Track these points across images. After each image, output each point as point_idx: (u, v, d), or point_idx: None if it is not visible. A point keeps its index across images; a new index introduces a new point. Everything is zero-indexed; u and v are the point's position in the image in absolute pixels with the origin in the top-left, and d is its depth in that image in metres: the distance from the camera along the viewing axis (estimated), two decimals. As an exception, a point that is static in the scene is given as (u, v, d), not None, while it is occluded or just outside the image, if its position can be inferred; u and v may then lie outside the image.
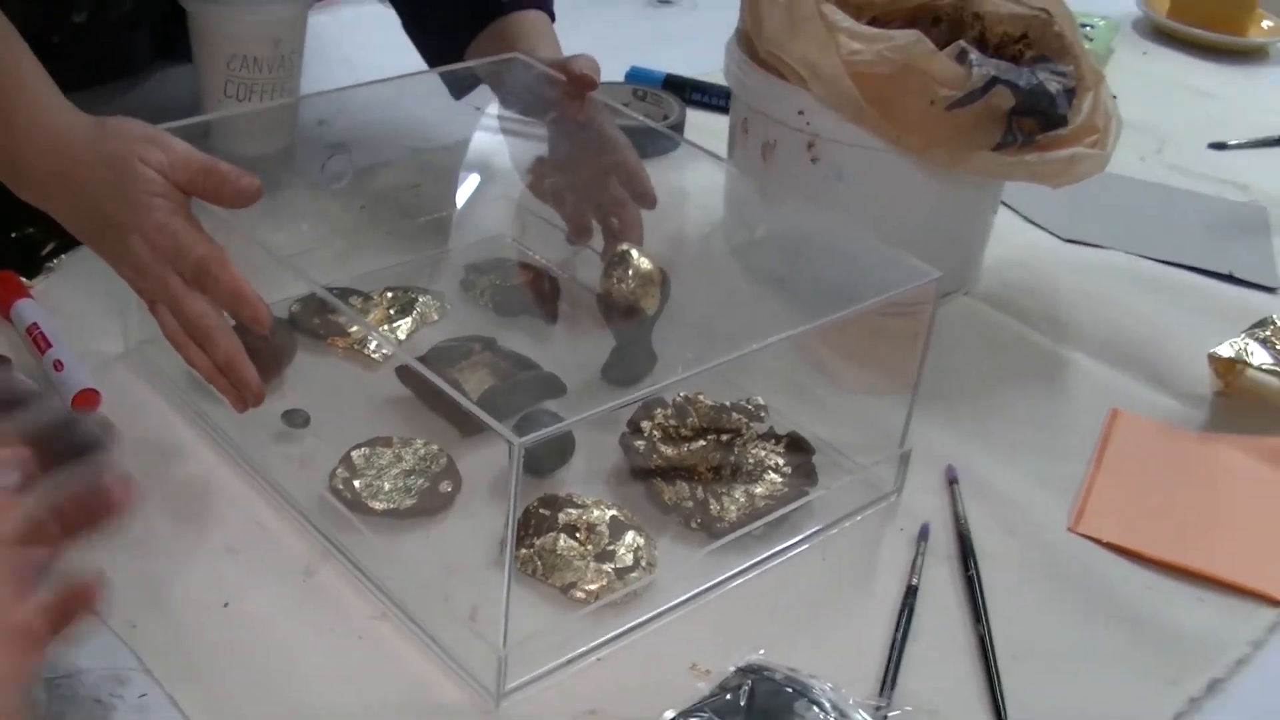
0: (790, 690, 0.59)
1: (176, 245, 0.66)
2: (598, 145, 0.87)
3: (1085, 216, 1.08)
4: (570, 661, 0.62)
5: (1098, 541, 0.74)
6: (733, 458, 0.74)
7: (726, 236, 0.98)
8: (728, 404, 0.76)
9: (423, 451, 0.72)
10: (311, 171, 0.99)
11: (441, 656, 0.62)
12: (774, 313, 0.84)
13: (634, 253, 0.78)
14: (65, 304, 0.81)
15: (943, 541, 0.72)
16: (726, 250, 0.96)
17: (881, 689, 0.62)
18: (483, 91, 0.93)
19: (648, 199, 0.86)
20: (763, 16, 0.89)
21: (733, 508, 0.71)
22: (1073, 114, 0.87)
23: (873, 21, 0.91)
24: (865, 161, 0.87)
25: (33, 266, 0.83)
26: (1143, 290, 1.00)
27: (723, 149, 0.97)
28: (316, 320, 0.82)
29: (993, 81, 0.83)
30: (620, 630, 0.64)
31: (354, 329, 0.81)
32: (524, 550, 0.67)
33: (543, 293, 0.88)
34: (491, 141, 0.95)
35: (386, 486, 0.70)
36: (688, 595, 0.67)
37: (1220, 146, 1.28)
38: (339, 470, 0.70)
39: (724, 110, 0.99)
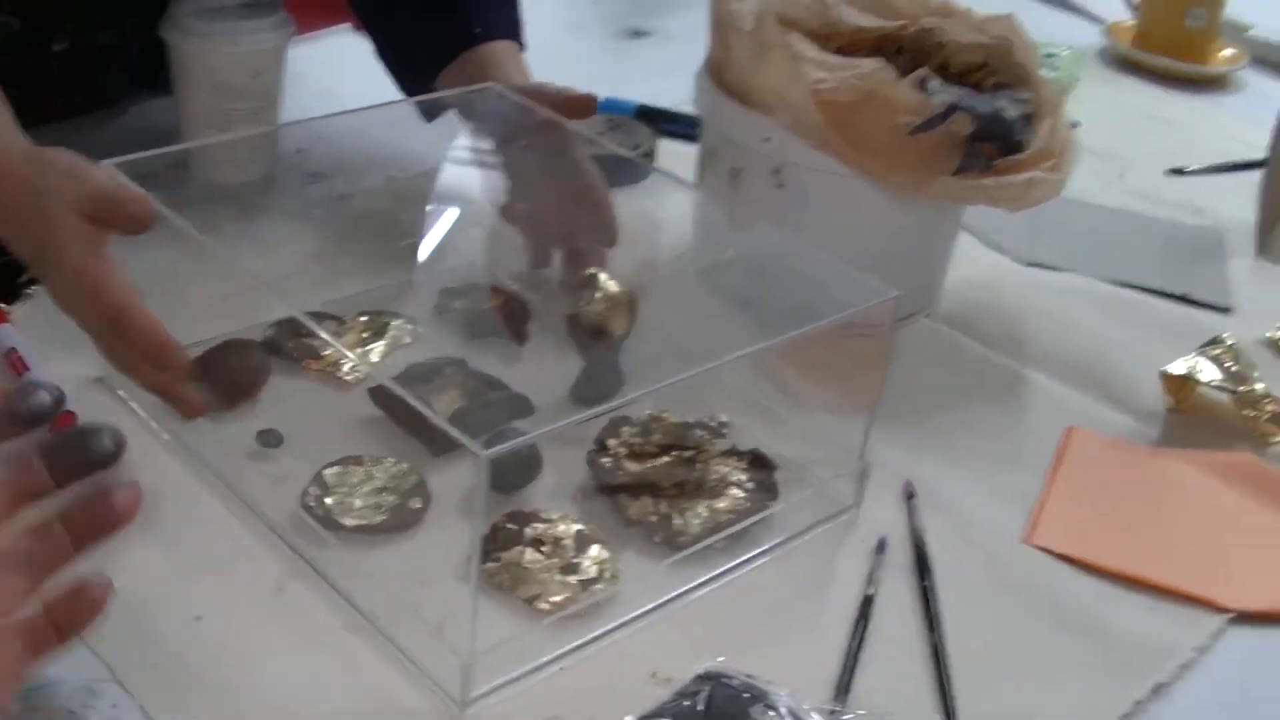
0: (748, 695, 0.61)
1: (93, 290, 0.67)
2: (568, 174, 0.89)
3: (1045, 240, 1.11)
4: (535, 670, 0.64)
5: (1051, 553, 0.76)
6: (696, 474, 0.76)
7: (695, 260, 1.00)
8: (691, 421, 0.78)
9: (394, 470, 0.74)
10: (290, 199, 1.02)
11: (409, 666, 0.63)
12: (739, 333, 0.86)
13: (602, 275, 0.80)
14: (43, 329, 0.82)
15: (900, 554, 0.74)
16: (694, 273, 0.99)
17: (836, 694, 0.64)
18: (455, 119, 0.95)
19: (609, 235, 0.88)
20: (731, 46, 0.91)
21: (695, 522, 0.73)
22: (1030, 139, 0.89)
23: (838, 51, 0.93)
24: (830, 186, 0.89)
25: (11, 292, 0.85)
26: (1100, 312, 1.02)
27: (693, 176, 0.99)
28: (291, 343, 0.84)
29: (952, 108, 0.86)
30: (584, 640, 0.66)
31: (328, 351, 0.83)
32: (491, 564, 0.69)
33: (513, 316, 0.89)
34: (466, 170, 0.97)
35: (358, 503, 0.72)
36: (650, 606, 0.68)
37: (1179, 172, 1.31)
38: (311, 488, 0.72)
39: (694, 139, 1.01)
